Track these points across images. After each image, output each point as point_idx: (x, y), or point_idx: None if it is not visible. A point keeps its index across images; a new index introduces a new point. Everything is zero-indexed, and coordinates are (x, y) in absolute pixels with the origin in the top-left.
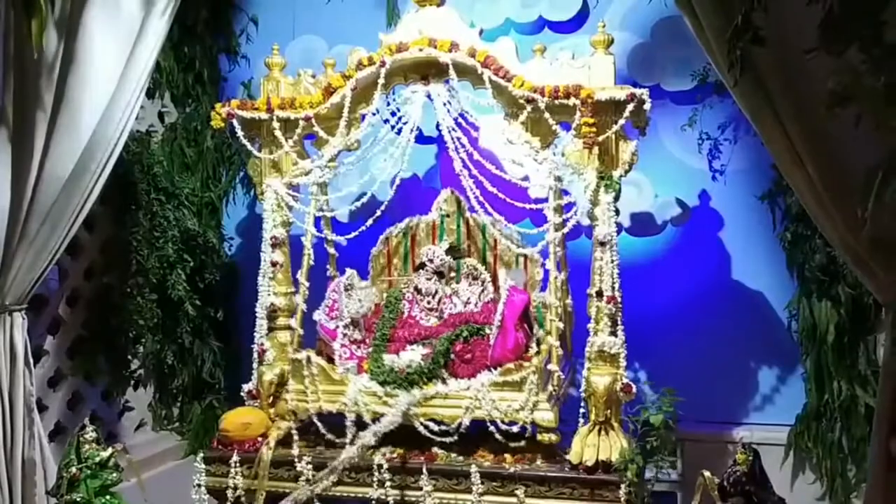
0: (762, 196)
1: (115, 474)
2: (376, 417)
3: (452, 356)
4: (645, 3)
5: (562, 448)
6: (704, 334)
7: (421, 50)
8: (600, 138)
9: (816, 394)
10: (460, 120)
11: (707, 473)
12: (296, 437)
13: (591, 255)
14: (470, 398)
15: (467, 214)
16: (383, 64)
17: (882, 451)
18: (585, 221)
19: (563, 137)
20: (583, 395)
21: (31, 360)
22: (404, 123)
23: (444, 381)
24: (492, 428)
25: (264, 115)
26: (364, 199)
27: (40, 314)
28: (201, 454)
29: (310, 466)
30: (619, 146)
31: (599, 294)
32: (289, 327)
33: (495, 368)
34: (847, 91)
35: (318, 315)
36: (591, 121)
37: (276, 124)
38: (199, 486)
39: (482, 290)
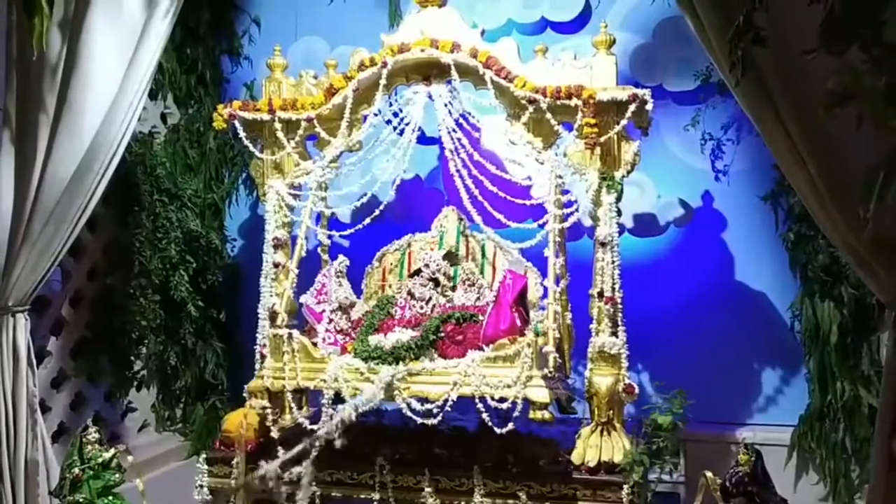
0: (765, 196)
1: (117, 475)
2: (356, 394)
3: (443, 335)
4: (647, 4)
5: (564, 449)
6: (707, 335)
7: (423, 51)
8: (602, 139)
9: (819, 394)
10: (462, 121)
11: (709, 474)
12: (270, 417)
13: (592, 256)
14: (458, 374)
15: (467, 232)
16: (385, 65)
17: (884, 451)
18: (587, 222)
19: (565, 138)
20: (585, 395)
21: (34, 361)
22: (406, 124)
23: (431, 360)
24: (480, 405)
25: (266, 116)
26: (365, 199)
27: (43, 315)
28: (203, 455)
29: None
30: (621, 147)
31: (601, 295)
32: (292, 328)
33: (487, 348)
34: (847, 91)
35: (306, 298)
36: (593, 121)
37: (277, 125)
38: (201, 486)
39: (478, 296)
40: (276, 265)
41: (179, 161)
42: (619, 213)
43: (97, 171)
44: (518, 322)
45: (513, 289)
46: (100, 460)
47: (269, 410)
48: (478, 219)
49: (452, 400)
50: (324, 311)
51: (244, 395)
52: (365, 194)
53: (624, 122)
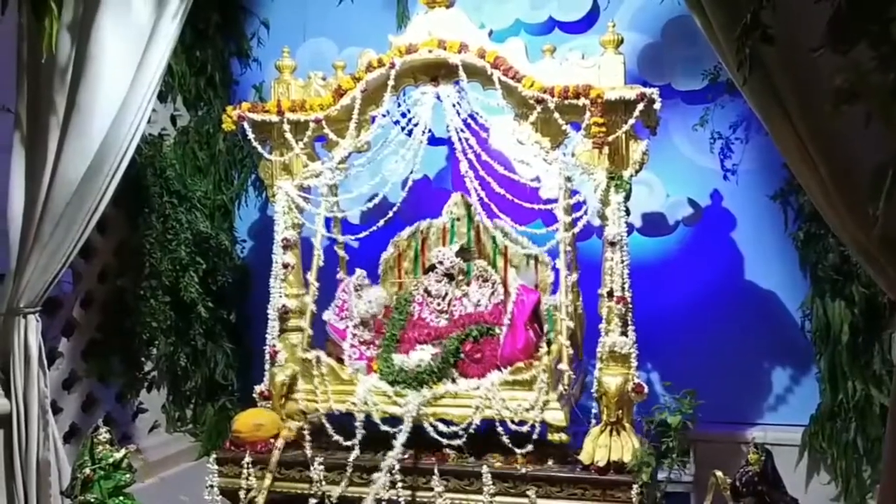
0: (774, 195)
1: (128, 475)
2: (385, 417)
3: (462, 355)
4: (655, 3)
5: (573, 448)
6: (717, 334)
7: (430, 51)
8: (610, 138)
9: (831, 394)
10: (470, 121)
11: (719, 473)
12: (308, 438)
13: (601, 256)
14: (480, 397)
15: (477, 218)
16: (393, 65)
17: (895, 451)
18: (596, 221)
19: (573, 138)
20: (594, 395)
21: (46, 362)
22: (415, 125)
23: (453, 381)
24: (500, 429)
25: (275, 118)
26: (375, 201)
27: (54, 316)
28: (214, 455)
29: (322, 468)
30: (629, 146)
31: (610, 294)
32: (300, 328)
33: (505, 368)
34: (854, 89)
35: (328, 315)
36: (601, 121)
37: (286, 126)
38: (211, 486)
39: (492, 292)
40: (285, 266)
41: (189, 163)
42: (627, 212)
43: (107, 173)
44: (532, 339)
45: (526, 307)
46: (111, 460)
47: (306, 431)
48: (487, 222)
49: (476, 424)
50: (347, 327)
51: (254, 395)
52: (375, 195)
53: (632, 121)
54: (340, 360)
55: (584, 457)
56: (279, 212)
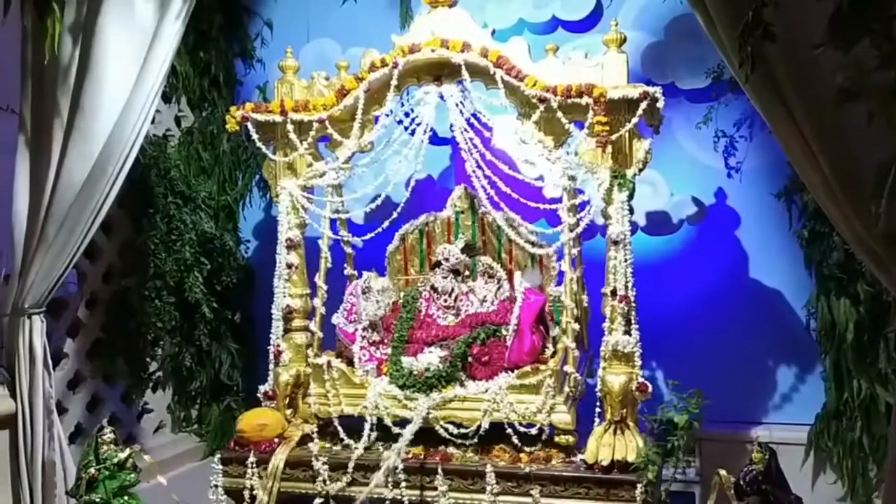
0: (778, 194)
1: (133, 475)
2: (396, 420)
3: (470, 358)
4: (658, 2)
5: (577, 448)
6: (722, 333)
7: (433, 51)
8: (613, 137)
9: (836, 393)
10: (473, 120)
11: (723, 472)
12: (315, 439)
13: (605, 255)
14: (488, 401)
15: (481, 212)
16: (396, 65)
17: None
18: (600, 220)
19: (577, 136)
20: (598, 394)
21: (51, 363)
22: (418, 124)
23: (462, 384)
24: (510, 431)
25: (278, 118)
26: (379, 201)
27: (59, 317)
28: (218, 455)
29: (326, 467)
30: (632, 145)
31: (614, 293)
32: (305, 328)
33: (512, 371)
34: (856, 86)
35: (337, 318)
36: (604, 119)
37: (290, 127)
38: (216, 486)
39: (498, 288)
40: (289, 266)
41: (193, 163)
42: (631, 211)
43: (111, 174)
44: (538, 342)
45: (532, 310)
46: (115, 460)
47: (315, 435)
48: (495, 213)
49: (485, 428)
50: (355, 330)
51: (259, 395)
52: (378, 195)
53: (635, 119)
54: (350, 362)
55: (588, 456)
56: (283, 212)
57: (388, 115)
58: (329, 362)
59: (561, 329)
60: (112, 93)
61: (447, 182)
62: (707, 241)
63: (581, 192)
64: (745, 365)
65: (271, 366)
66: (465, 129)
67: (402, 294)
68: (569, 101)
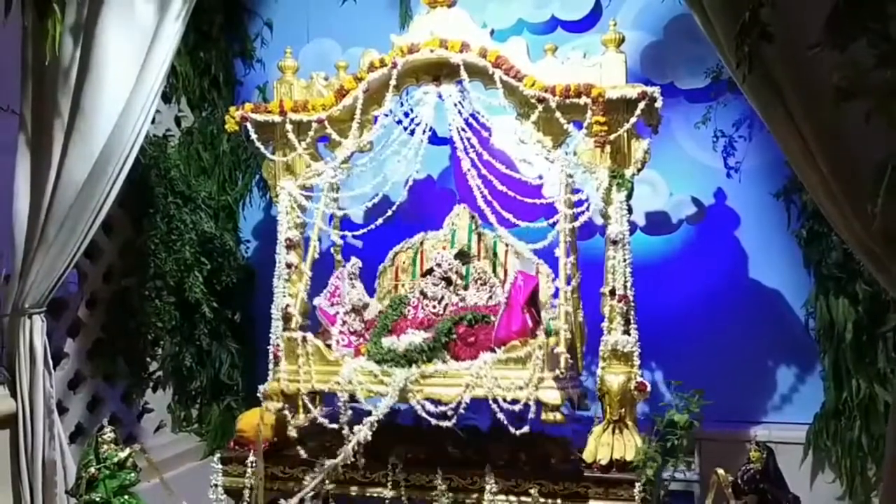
0: (777, 193)
1: (133, 474)
2: (370, 396)
3: (455, 337)
4: (657, 2)
5: (576, 447)
6: (721, 333)
7: (432, 51)
8: (612, 137)
9: (835, 392)
10: (472, 121)
11: (721, 471)
12: (289, 419)
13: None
14: (471, 376)
15: (480, 229)
16: (395, 65)
17: None
18: (599, 220)
19: (575, 136)
20: (597, 394)
21: (51, 363)
22: (417, 124)
23: (444, 362)
24: (494, 407)
25: (277, 118)
26: (377, 200)
27: (60, 317)
28: (218, 455)
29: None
30: (631, 145)
31: (613, 293)
32: (305, 327)
33: (499, 350)
34: (853, 86)
35: (319, 300)
36: (603, 119)
37: (289, 127)
38: (216, 486)
39: (490, 295)
40: (288, 266)
41: (193, 164)
42: (629, 210)
43: (111, 174)
44: (529, 323)
45: (524, 290)
46: (116, 460)
47: (286, 411)
48: (492, 218)
49: (466, 402)
50: (337, 313)
51: (259, 395)
52: (377, 195)
53: (633, 119)
54: (329, 347)
55: (586, 455)
56: (282, 212)
57: (387, 115)
58: (304, 337)
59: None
60: (112, 93)
61: (446, 182)
62: (706, 240)
63: (580, 191)
64: (744, 364)
65: (271, 365)
66: (464, 129)
67: (389, 298)
68: (567, 101)
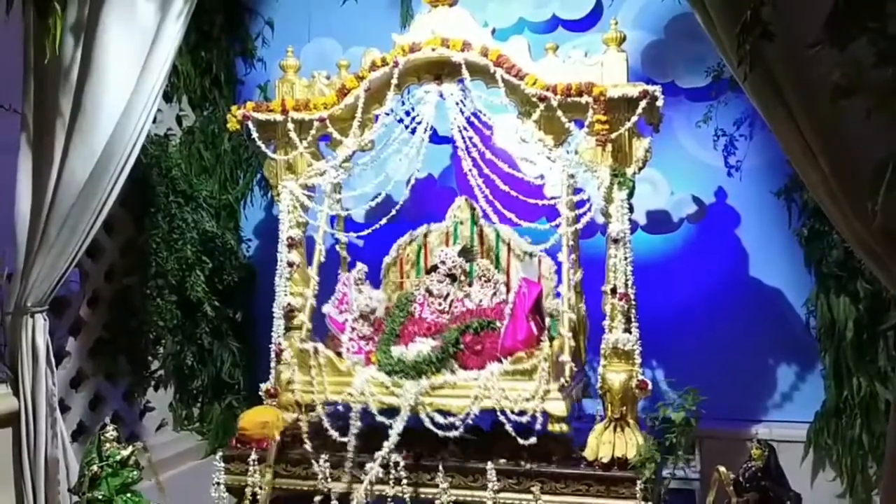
0: (778, 192)
1: (135, 472)
2: (383, 407)
3: (462, 346)
4: (658, 1)
5: (578, 445)
6: (722, 332)
7: (433, 50)
8: (613, 135)
9: (836, 390)
10: (473, 119)
11: (722, 468)
12: (305, 431)
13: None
14: (479, 387)
15: (481, 222)
16: (396, 64)
17: None
18: (600, 219)
19: (577, 135)
20: (599, 392)
21: (53, 361)
22: (418, 123)
23: (452, 372)
24: (502, 418)
25: (279, 117)
26: (379, 199)
27: (62, 316)
28: (220, 453)
29: (327, 465)
30: (632, 143)
31: (614, 291)
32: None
33: (506, 359)
34: (853, 84)
35: (328, 308)
36: (604, 118)
37: (290, 126)
38: (218, 484)
39: (494, 292)
40: (290, 264)
41: (195, 163)
42: (631, 209)
43: (112, 173)
44: (535, 331)
45: (528, 298)
46: (118, 458)
47: (301, 422)
48: (494, 217)
49: (475, 414)
50: (346, 320)
51: (260, 393)
52: (379, 194)
53: (635, 118)
54: (339, 355)
55: (588, 453)
56: (284, 211)
57: (388, 114)
58: (316, 349)
59: (557, 333)
60: (114, 92)
61: (448, 181)
62: (707, 239)
63: (581, 190)
64: (745, 363)
65: (273, 364)
66: (465, 128)
67: (396, 296)
68: (569, 99)
